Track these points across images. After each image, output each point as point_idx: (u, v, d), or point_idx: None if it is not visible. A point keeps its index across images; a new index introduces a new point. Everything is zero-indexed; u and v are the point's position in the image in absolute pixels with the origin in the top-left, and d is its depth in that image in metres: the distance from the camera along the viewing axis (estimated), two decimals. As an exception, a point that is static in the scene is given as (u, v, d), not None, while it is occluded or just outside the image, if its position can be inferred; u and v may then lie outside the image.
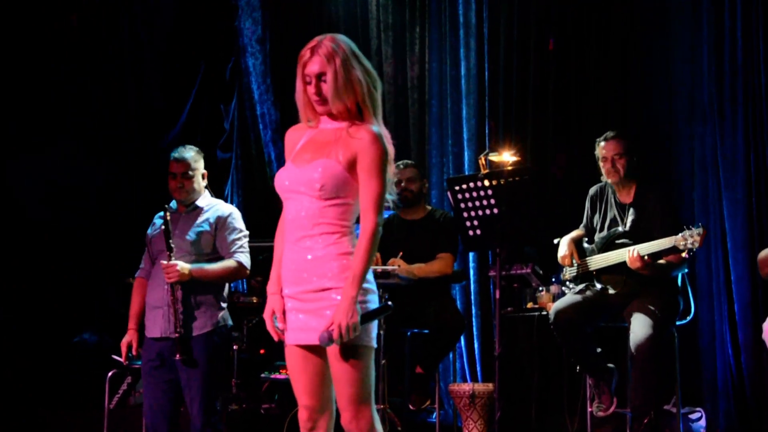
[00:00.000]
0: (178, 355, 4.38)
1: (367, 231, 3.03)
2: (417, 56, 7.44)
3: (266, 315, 3.17)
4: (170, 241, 4.44)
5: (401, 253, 5.59)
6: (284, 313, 3.13)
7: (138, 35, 7.33)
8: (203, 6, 7.68)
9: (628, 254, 4.87)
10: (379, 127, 3.10)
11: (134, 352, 4.59)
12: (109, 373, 6.06)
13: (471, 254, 6.91)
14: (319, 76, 3.05)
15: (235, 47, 7.91)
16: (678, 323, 5.13)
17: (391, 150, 3.10)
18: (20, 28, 6.86)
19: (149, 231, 4.69)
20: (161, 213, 4.59)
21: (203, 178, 4.71)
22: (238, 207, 7.89)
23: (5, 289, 6.73)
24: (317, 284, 3.04)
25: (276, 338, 3.15)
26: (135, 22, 7.34)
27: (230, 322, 4.61)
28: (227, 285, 4.66)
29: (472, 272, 6.95)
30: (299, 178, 3.07)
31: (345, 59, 3.05)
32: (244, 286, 7.40)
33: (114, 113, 7.23)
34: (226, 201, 7.67)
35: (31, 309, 6.82)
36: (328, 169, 3.04)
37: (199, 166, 4.69)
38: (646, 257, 4.85)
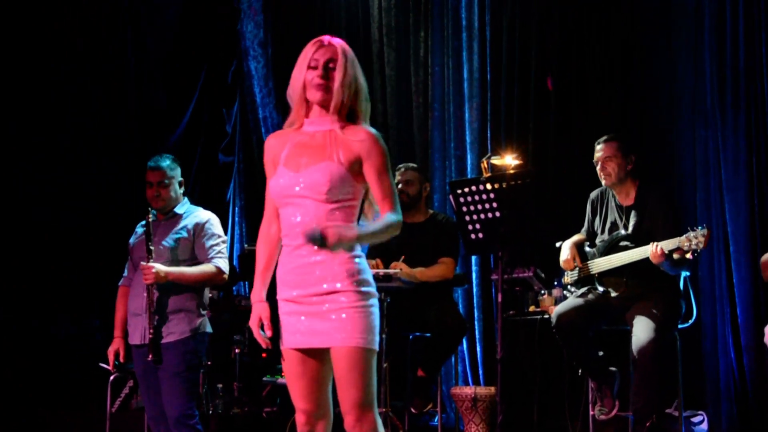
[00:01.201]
0: (150, 356, 4.43)
1: (392, 219, 3.10)
2: (421, 60, 7.44)
3: (253, 323, 3.16)
4: (149, 243, 4.50)
5: (403, 257, 5.59)
6: (272, 319, 3.13)
7: (141, 37, 7.34)
8: (205, 9, 7.69)
9: (651, 249, 4.84)
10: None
11: (122, 359, 4.65)
12: (111, 377, 6.07)
13: (473, 258, 6.91)
14: (327, 63, 3.07)
15: (237, 51, 7.92)
16: (680, 326, 5.12)
17: None
18: (20, 29, 6.86)
19: (131, 240, 4.74)
20: (143, 222, 4.64)
21: (180, 186, 4.74)
22: (241, 211, 7.94)
23: (5, 289, 6.73)
24: (324, 287, 3.03)
25: (264, 345, 3.15)
26: (138, 24, 7.35)
27: (209, 329, 4.63)
28: (207, 291, 4.70)
29: (474, 275, 6.94)
30: (303, 183, 3.05)
31: (353, 59, 3.11)
32: (247, 289, 7.40)
33: (114, 114, 7.23)
34: (228, 205, 7.72)
35: (31, 309, 6.82)
36: (332, 172, 3.04)
37: (176, 174, 4.72)
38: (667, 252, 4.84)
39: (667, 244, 4.81)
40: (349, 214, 3.09)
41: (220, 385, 6.32)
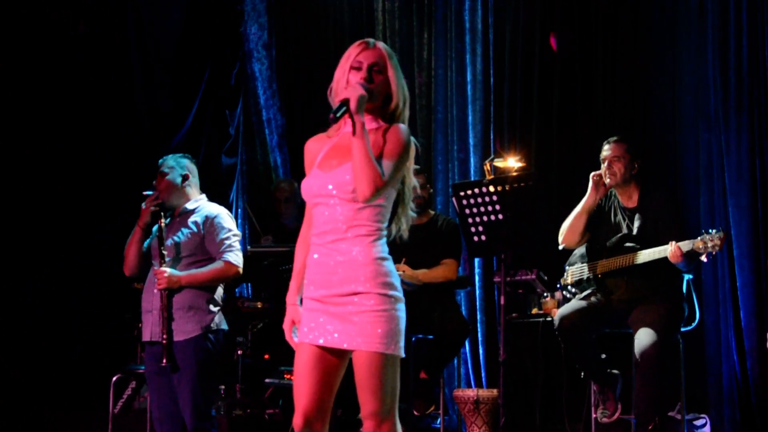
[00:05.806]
0: (164, 361, 4.39)
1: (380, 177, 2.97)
2: (425, 63, 7.44)
3: (286, 326, 3.14)
4: (162, 248, 4.48)
5: (405, 259, 5.59)
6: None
7: (144, 39, 7.33)
8: (209, 11, 7.68)
9: (670, 248, 4.81)
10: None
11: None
12: (114, 378, 6.07)
13: (476, 260, 6.90)
14: (372, 67, 3.06)
15: (241, 52, 7.91)
16: (683, 329, 5.11)
17: (413, 149, 3.13)
18: (21, 30, 6.85)
19: (150, 236, 4.71)
20: (167, 220, 4.62)
21: (184, 179, 4.68)
22: (243, 213, 7.92)
23: (11, 289, 6.72)
24: (347, 288, 2.99)
25: (294, 348, 3.10)
26: (141, 26, 7.34)
27: (225, 327, 4.58)
28: (221, 288, 4.64)
29: (477, 278, 6.94)
30: (331, 183, 3.03)
31: (396, 64, 3.12)
32: (249, 291, 7.40)
33: (117, 115, 7.21)
34: (231, 206, 7.71)
35: (36, 310, 6.82)
36: None
37: (175, 166, 4.69)
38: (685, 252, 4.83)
39: (683, 246, 4.80)
40: (377, 213, 3.05)
41: (222, 387, 6.32)
